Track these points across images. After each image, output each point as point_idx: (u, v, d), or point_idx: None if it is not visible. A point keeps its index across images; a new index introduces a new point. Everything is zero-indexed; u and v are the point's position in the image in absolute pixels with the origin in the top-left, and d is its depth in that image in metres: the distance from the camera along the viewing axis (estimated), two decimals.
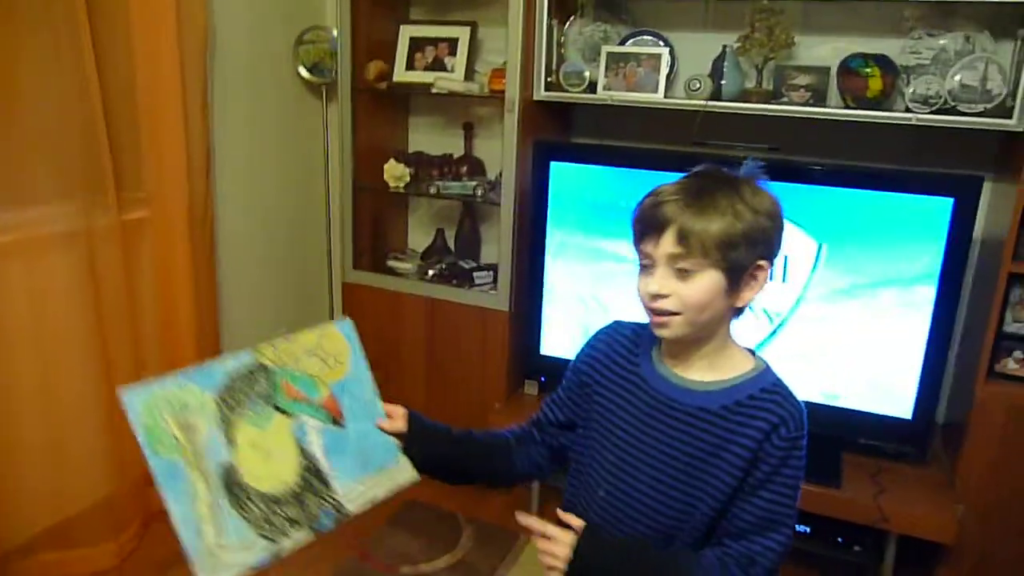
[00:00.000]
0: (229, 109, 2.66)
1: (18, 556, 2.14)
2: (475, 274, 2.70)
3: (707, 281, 1.03)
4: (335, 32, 2.75)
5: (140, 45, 2.24)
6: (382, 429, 1.19)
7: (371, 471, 1.14)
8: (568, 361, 1.30)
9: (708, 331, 1.09)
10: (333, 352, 1.15)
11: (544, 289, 2.52)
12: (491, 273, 2.69)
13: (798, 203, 2.12)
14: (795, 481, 1.07)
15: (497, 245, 2.60)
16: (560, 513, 1.12)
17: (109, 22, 2.16)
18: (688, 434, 1.09)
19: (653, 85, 2.36)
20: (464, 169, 2.80)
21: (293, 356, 1.11)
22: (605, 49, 2.42)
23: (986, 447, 2.09)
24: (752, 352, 1.16)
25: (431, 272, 2.77)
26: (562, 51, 2.54)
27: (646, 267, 1.07)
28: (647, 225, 1.05)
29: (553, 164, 2.43)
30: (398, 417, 1.21)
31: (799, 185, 2.13)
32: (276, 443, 1.07)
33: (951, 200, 2.01)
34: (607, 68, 2.40)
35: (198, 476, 0.99)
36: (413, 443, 1.20)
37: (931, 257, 2.04)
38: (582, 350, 1.27)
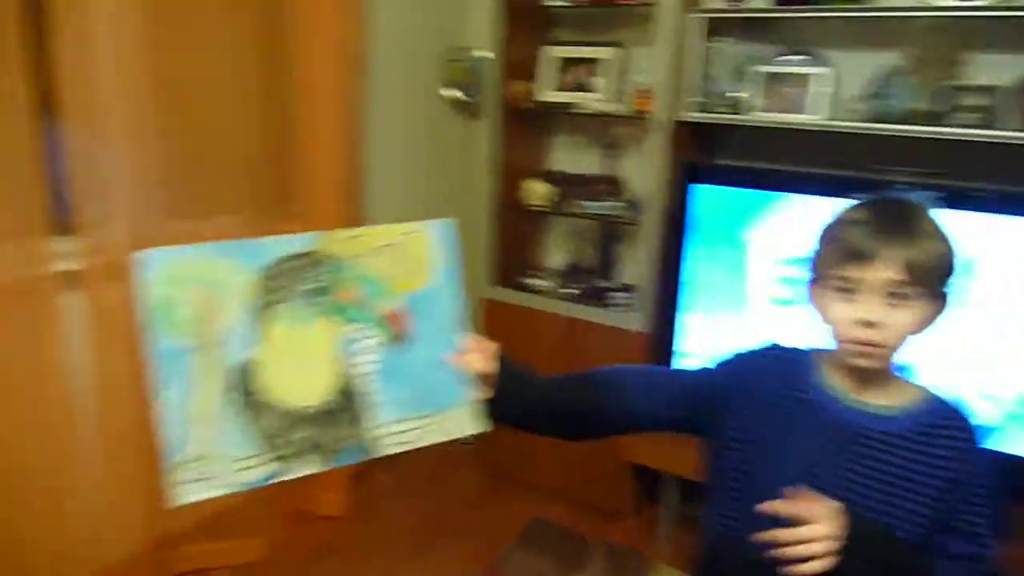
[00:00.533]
0: (379, 128, 2.78)
1: (170, 545, 2.29)
2: (612, 294, 2.69)
3: (919, 310, 1.02)
4: (479, 52, 2.81)
5: (301, 68, 2.38)
6: (459, 363, 0.98)
7: (428, 410, 0.93)
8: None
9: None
10: (417, 256, 0.92)
11: (682, 312, 2.47)
12: (628, 294, 2.67)
13: (976, 232, 1.98)
14: (992, 484, 1.06)
15: (635, 265, 2.58)
16: (795, 493, 1.01)
17: (276, 45, 2.32)
18: (878, 459, 1.06)
19: (805, 106, 2.28)
20: (605, 188, 2.79)
21: (364, 250, 0.90)
22: (756, 69, 2.36)
23: None
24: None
25: (568, 290, 2.77)
26: (711, 71, 2.49)
27: (847, 292, 1.03)
28: (857, 250, 1.01)
29: (697, 186, 2.39)
30: (487, 353, 1.03)
31: (974, 213, 1.99)
32: (315, 350, 0.87)
33: None
34: (757, 88, 2.34)
35: (206, 368, 0.83)
36: (502, 388, 1.04)
37: None
38: (731, 364, 1.19)
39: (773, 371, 1.15)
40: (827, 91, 2.32)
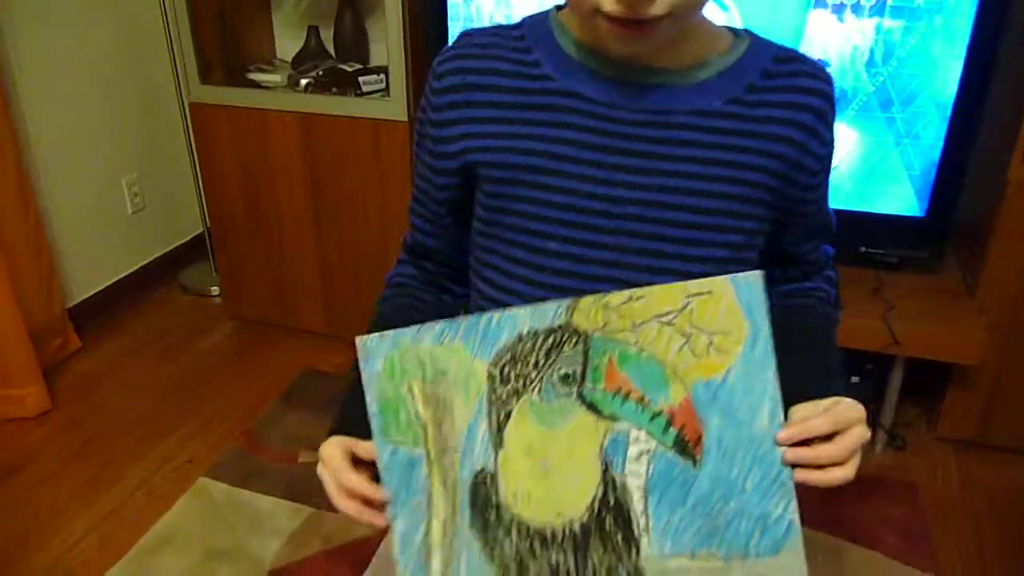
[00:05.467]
0: None
1: None
2: (361, 79, 2.08)
3: None
4: None
5: None
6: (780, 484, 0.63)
7: (718, 550, 0.64)
8: None
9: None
10: (712, 327, 0.63)
11: None
12: (382, 76, 2.07)
13: None
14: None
15: (385, 40, 1.97)
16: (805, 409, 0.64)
17: None
18: (697, 146, 0.68)
19: None
20: None
21: (637, 321, 0.63)
22: None
23: (1018, 245, 1.67)
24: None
25: (304, 81, 2.12)
26: None
27: None
28: None
29: None
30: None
31: None
32: (568, 456, 0.65)
33: None
34: None
35: (442, 482, 0.65)
36: None
37: (959, 7, 1.53)
38: (431, 99, 0.75)
39: (490, 68, 0.71)
40: None
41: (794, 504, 0.63)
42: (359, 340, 0.65)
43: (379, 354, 0.65)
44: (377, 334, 0.64)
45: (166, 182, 2.65)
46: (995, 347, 1.73)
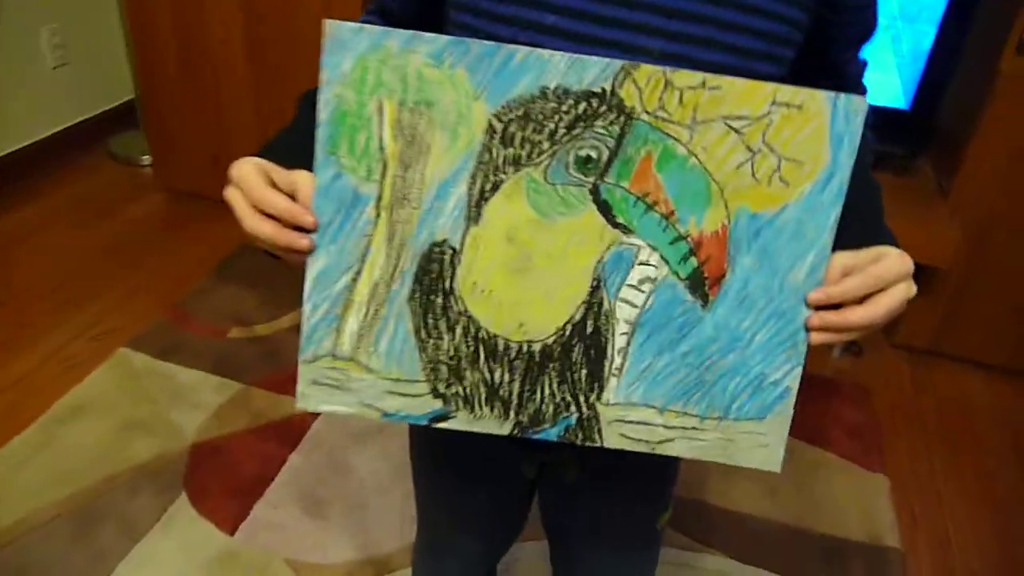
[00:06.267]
0: None
1: None
2: None
3: None
4: None
5: None
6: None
7: (696, 409, 0.56)
8: None
9: None
10: (788, 151, 0.50)
11: None
12: None
13: None
14: None
15: None
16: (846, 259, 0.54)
17: None
18: None
19: None
20: None
21: (697, 113, 0.49)
22: None
23: (999, 143, 1.59)
24: None
25: None
26: None
27: None
28: None
29: None
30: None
31: None
32: (555, 258, 0.52)
33: None
34: None
35: (389, 236, 0.52)
36: None
37: None
38: None
39: None
40: None
41: (799, 371, 0.54)
42: (328, 24, 0.49)
43: (351, 51, 0.49)
44: (356, 24, 0.49)
45: (92, 35, 2.42)
46: (964, 253, 1.68)
